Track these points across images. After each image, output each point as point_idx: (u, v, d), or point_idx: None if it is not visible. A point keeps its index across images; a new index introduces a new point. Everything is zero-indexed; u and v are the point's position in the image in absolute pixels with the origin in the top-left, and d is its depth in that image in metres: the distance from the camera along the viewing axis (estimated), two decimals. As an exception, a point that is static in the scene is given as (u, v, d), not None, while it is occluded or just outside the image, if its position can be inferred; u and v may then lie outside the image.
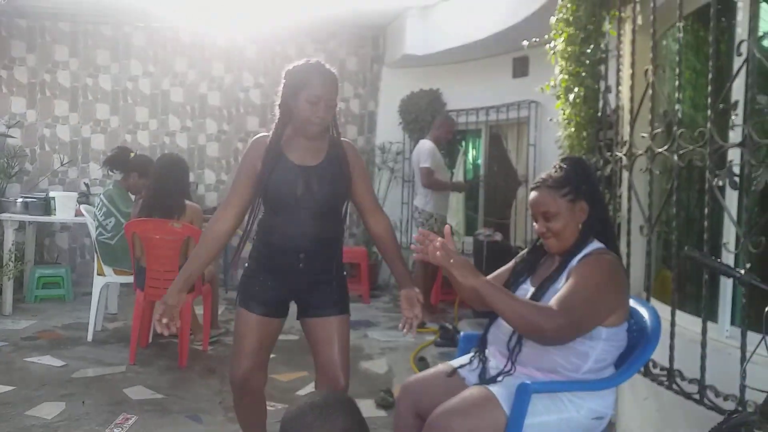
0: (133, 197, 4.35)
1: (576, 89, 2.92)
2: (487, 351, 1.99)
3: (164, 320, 2.04)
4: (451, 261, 1.75)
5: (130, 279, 4.10)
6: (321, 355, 2.19)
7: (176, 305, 2.05)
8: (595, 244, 1.88)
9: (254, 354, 2.18)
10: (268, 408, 2.42)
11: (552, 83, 3.19)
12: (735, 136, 2.06)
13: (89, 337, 4.27)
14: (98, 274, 4.31)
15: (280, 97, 2.13)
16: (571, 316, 1.70)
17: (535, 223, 1.94)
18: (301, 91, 2.04)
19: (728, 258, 2.17)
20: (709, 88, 2.07)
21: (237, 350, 2.20)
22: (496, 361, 1.93)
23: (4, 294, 4.89)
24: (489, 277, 2.04)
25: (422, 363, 3.97)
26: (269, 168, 2.10)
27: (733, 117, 2.02)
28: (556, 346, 1.79)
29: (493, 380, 1.87)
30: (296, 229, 2.12)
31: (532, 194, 1.93)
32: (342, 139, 2.22)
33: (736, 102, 2.00)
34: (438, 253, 1.75)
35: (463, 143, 6.69)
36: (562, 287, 1.80)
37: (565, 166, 1.91)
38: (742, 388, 1.86)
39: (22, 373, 3.60)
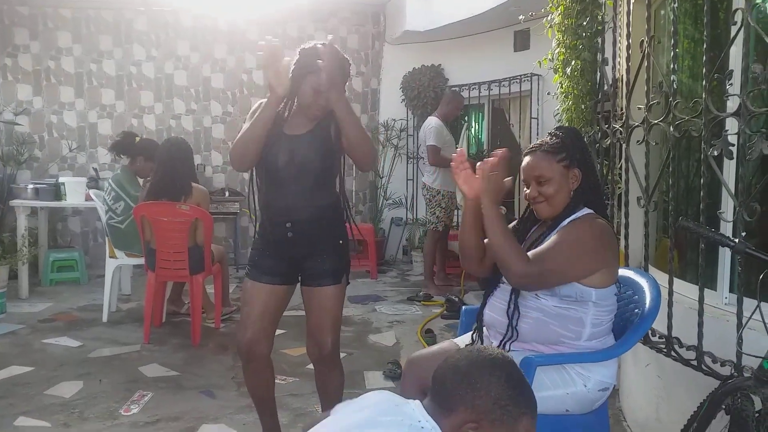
0: (141, 181, 4.42)
1: (573, 62, 2.93)
2: (485, 332, 2.02)
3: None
4: (490, 176, 1.85)
5: (141, 261, 4.18)
6: (311, 320, 2.30)
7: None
8: (585, 210, 1.90)
9: (258, 321, 2.25)
10: (278, 382, 2.50)
11: (550, 57, 3.20)
12: (733, 105, 2.08)
13: (104, 318, 4.38)
14: (110, 257, 4.40)
15: (291, 71, 2.15)
16: (539, 268, 1.76)
17: (526, 189, 1.94)
18: (307, 75, 2.08)
19: (726, 227, 2.19)
20: (704, 57, 2.08)
21: (243, 318, 2.29)
22: (496, 342, 1.95)
23: (20, 278, 5.01)
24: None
25: (429, 335, 4.05)
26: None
27: (728, 86, 2.03)
28: (524, 290, 1.85)
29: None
30: (282, 199, 2.18)
31: (526, 159, 1.93)
32: None
33: (731, 71, 2.01)
34: (486, 167, 1.86)
35: (466, 118, 6.68)
36: None
37: (560, 133, 1.93)
38: (739, 354, 1.90)
39: (41, 354, 3.71)
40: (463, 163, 1.95)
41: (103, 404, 2.98)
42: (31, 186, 5.28)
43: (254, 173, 2.26)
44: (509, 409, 1.21)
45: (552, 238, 1.83)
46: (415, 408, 1.24)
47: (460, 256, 2.10)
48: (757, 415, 1.58)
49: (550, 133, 1.96)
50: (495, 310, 1.96)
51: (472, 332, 2.07)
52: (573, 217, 1.88)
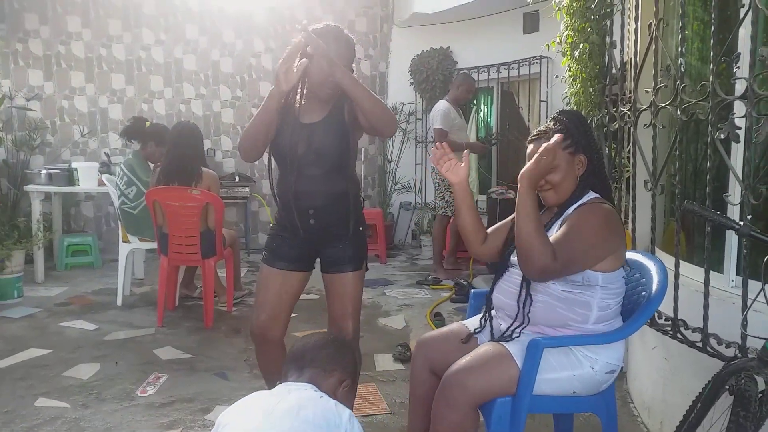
0: (152, 165, 4.47)
1: (582, 45, 2.92)
2: (494, 313, 2.05)
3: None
4: (539, 158, 1.80)
5: (154, 245, 4.24)
6: (333, 307, 2.32)
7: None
8: (591, 195, 1.90)
9: (273, 306, 2.28)
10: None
11: (558, 40, 3.18)
12: (740, 88, 2.07)
13: (119, 302, 4.46)
14: (123, 242, 4.46)
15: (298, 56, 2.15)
16: (561, 260, 1.75)
17: None
18: (314, 56, 2.06)
19: (732, 210, 2.20)
20: (712, 40, 2.08)
21: (257, 302, 2.32)
22: (505, 324, 1.97)
23: (35, 263, 5.09)
24: (489, 230, 2.12)
25: (438, 318, 4.09)
26: (279, 125, 2.17)
27: (735, 69, 2.03)
28: (542, 281, 1.84)
29: (508, 337, 1.90)
30: (303, 184, 2.20)
31: (531, 147, 1.94)
32: None
33: (738, 54, 2.01)
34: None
35: (475, 101, 6.66)
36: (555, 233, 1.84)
37: (563, 119, 1.93)
38: (743, 335, 1.92)
39: (58, 336, 3.79)
40: (444, 156, 1.99)
41: (120, 386, 3.05)
42: (44, 171, 5.34)
43: (272, 162, 2.29)
44: (357, 370, 1.90)
45: (563, 230, 1.82)
46: (308, 387, 1.65)
47: (464, 241, 2.13)
48: (760, 395, 1.61)
49: (553, 118, 1.96)
50: (504, 293, 1.98)
51: (481, 316, 2.09)
52: (579, 203, 1.89)
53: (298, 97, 2.21)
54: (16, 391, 2.97)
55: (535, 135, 1.97)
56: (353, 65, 2.20)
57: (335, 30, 2.14)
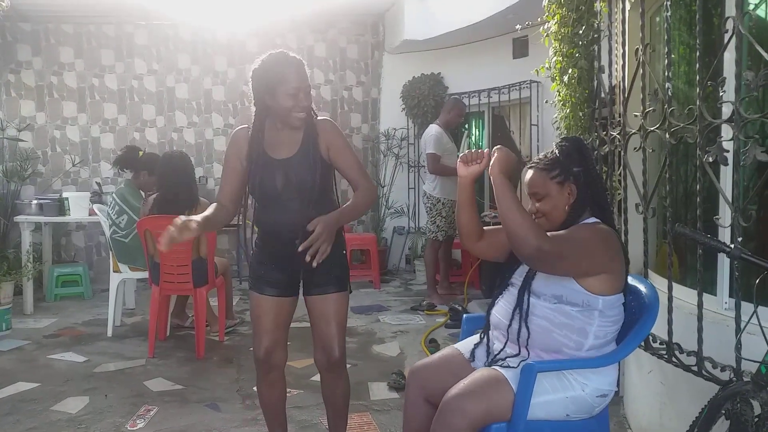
0: (143, 194, 4.45)
1: (570, 70, 2.95)
2: (490, 334, 2.04)
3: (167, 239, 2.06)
4: (498, 150, 1.91)
5: (145, 275, 4.20)
6: (318, 328, 2.32)
7: (179, 236, 2.07)
8: (592, 219, 1.92)
9: (272, 332, 2.29)
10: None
11: (547, 65, 3.22)
12: (727, 112, 2.09)
13: (109, 333, 4.40)
14: (114, 271, 4.42)
15: (253, 96, 2.21)
16: (557, 247, 1.75)
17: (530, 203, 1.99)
18: (278, 86, 2.11)
19: (723, 233, 2.20)
20: (698, 65, 2.10)
21: (256, 330, 2.32)
22: (499, 344, 1.97)
23: (24, 294, 5.04)
24: (486, 228, 2.12)
25: (433, 345, 4.05)
26: (252, 165, 2.21)
27: (721, 93, 2.05)
28: (534, 266, 1.84)
29: (501, 363, 1.90)
30: (286, 218, 2.21)
31: (527, 174, 1.98)
32: (319, 118, 2.26)
33: (724, 78, 2.03)
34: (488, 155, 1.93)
35: (467, 126, 6.71)
36: None
37: (560, 146, 1.95)
38: (738, 359, 1.91)
39: (46, 369, 3.73)
40: (475, 160, 1.99)
41: (109, 419, 3.00)
42: (35, 201, 5.32)
43: (248, 199, 2.32)
44: None
45: (564, 231, 1.85)
46: None
47: (459, 234, 2.13)
48: (756, 419, 1.59)
49: (556, 144, 1.99)
50: (502, 312, 1.98)
51: (481, 332, 2.08)
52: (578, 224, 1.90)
53: (261, 130, 2.22)
54: (2, 427, 2.90)
55: (531, 163, 1.99)
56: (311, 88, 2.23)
57: (295, 57, 2.16)
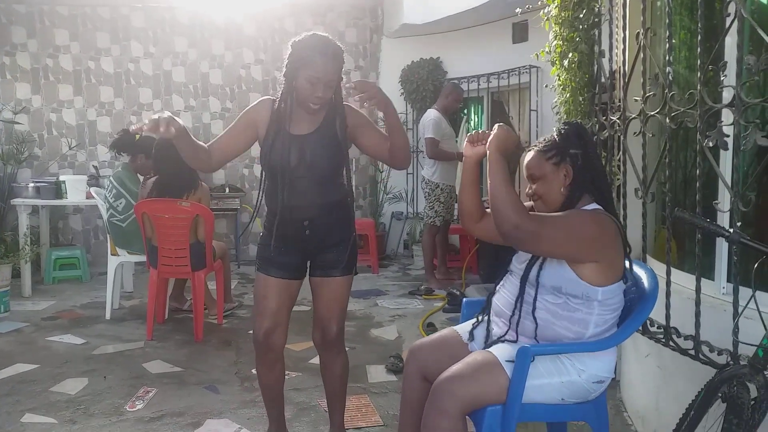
0: (141, 178, 4.44)
1: (570, 54, 2.94)
2: (492, 317, 2.04)
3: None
4: (499, 125, 1.93)
5: (143, 258, 4.20)
6: (319, 308, 2.36)
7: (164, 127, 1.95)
8: (593, 205, 1.91)
9: (274, 314, 2.30)
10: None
11: (547, 49, 3.20)
12: (728, 96, 2.09)
13: (107, 315, 4.41)
14: (112, 254, 4.42)
15: (284, 66, 2.16)
16: (536, 226, 1.76)
17: (533, 185, 1.98)
18: (301, 68, 2.08)
19: (722, 217, 2.21)
20: (699, 49, 2.09)
21: (258, 311, 2.32)
22: (499, 329, 1.98)
23: (22, 277, 5.03)
24: (488, 210, 2.12)
25: (431, 329, 4.08)
26: (270, 137, 2.18)
27: (722, 78, 2.04)
28: (513, 244, 1.85)
29: (494, 343, 1.93)
30: (296, 198, 2.20)
31: (526, 157, 1.98)
32: (344, 103, 2.26)
33: (725, 63, 2.02)
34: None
35: (466, 111, 6.69)
36: None
37: (559, 130, 1.95)
38: (735, 342, 1.92)
39: (45, 351, 3.74)
40: (481, 140, 2.00)
41: (108, 400, 3.01)
42: (31, 184, 5.30)
43: (263, 176, 2.30)
44: None
45: (554, 213, 1.86)
46: None
47: (458, 215, 2.15)
48: (752, 402, 1.61)
49: (556, 128, 1.99)
50: (502, 300, 2.00)
51: (479, 314, 2.09)
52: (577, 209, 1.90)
53: (287, 108, 2.20)
54: (2, 407, 2.92)
55: (531, 146, 1.99)
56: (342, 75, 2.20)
57: (333, 47, 2.12)
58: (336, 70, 2.12)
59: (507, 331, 1.94)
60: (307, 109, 2.17)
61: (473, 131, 2.08)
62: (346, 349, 2.49)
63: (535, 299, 1.88)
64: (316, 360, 3.55)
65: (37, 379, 3.29)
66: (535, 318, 1.87)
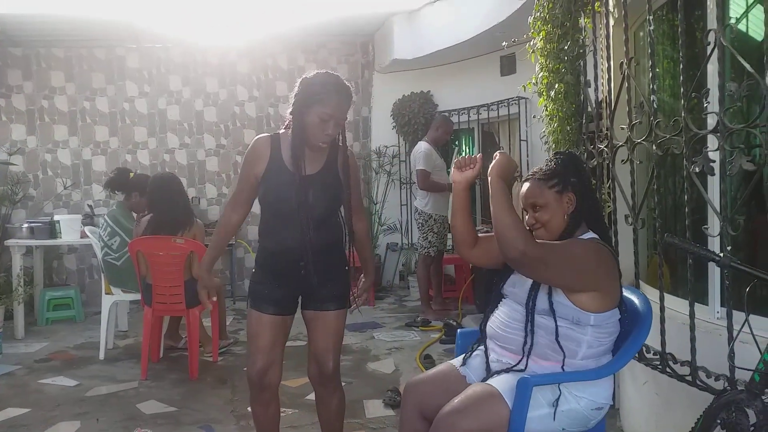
0: (135, 216, 4.44)
1: (557, 85, 2.99)
2: (487, 344, 2.03)
3: (210, 297, 2.38)
4: (500, 154, 1.96)
5: (138, 296, 4.17)
6: (315, 342, 2.33)
7: (212, 284, 2.36)
8: (590, 234, 1.93)
9: (268, 351, 2.27)
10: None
11: (534, 81, 3.26)
12: (712, 122, 2.12)
13: (101, 356, 4.36)
14: (106, 294, 4.39)
15: (292, 104, 2.16)
16: (544, 254, 1.77)
17: (526, 215, 2.00)
18: (314, 105, 2.08)
19: (713, 242, 2.22)
20: (681, 77, 2.13)
21: (252, 349, 2.30)
22: (496, 355, 1.98)
23: (15, 318, 4.98)
24: (481, 235, 2.13)
25: (428, 361, 4.04)
26: (271, 176, 2.18)
27: (706, 104, 2.08)
28: (519, 270, 1.86)
29: (497, 373, 1.91)
30: (294, 237, 2.19)
31: (523, 186, 2.00)
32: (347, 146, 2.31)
33: (707, 90, 2.06)
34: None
35: (457, 142, 6.75)
36: None
37: (556, 158, 1.98)
38: (731, 367, 1.91)
39: (37, 395, 3.68)
40: (469, 165, 2.04)
41: (101, 443, 2.96)
42: (26, 225, 5.29)
43: (265, 214, 2.30)
44: None
45: (556, 242, 1.87)
46: None
47: (453, 242, 2.14)
48: (752, 428, 1.59)
49: (548, 159, 2.01)
50: (496, 323, 1.99)
51: (474, 343, 2.08)
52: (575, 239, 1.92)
53: (296, 148, 2.17)
54: (-8, 454, 2.86)
55: (528, 176, 2.01)
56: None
57: (346, 86, 2.15)
58: (347, 108, 2.15)
59: (520, 361, 1.91)
60: (312, 148, 2.17)
61: (460, 156, 2.11)
62: (343, 383, 2.46)
63: (556, 328, 1.86)
64: (312, 396, 3.50)
65: (28, 423, 3.23)
66: (541, 337, 1.86)
